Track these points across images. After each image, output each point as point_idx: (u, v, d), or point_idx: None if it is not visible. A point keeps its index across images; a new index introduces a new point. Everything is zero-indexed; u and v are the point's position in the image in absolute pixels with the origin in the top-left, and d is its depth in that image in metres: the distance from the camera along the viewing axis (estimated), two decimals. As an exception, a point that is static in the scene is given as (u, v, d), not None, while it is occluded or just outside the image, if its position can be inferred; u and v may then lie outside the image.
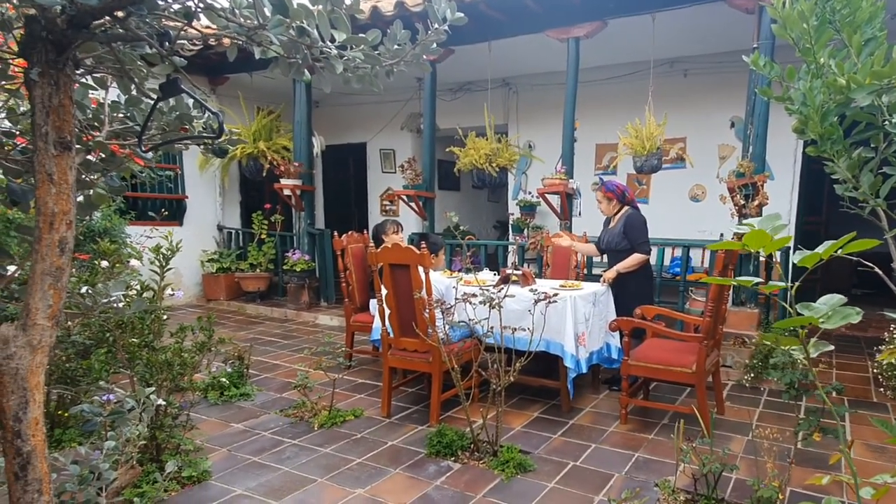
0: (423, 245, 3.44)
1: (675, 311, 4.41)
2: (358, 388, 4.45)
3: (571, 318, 3.70)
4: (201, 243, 7.90)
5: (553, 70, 7.12)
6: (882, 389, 4.16)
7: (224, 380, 4.12)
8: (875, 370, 4.19)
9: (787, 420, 3.78)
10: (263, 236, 7.60)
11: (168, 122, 1.53)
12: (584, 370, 3.77)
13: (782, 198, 6.01)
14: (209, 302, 7.86)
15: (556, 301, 3.25)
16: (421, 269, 3.45)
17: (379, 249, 3.63)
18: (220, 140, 1.47)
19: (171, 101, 1.57)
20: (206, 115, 1.49)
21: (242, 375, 4.32)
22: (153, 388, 2.12)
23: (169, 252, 3.17)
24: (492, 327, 3.25)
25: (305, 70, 1.19)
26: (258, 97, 7.86)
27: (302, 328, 6.55)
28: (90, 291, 1.78)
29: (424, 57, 1.39)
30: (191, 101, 1.50)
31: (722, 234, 6.54)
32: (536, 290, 3.09)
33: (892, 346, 4.06)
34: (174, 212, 7.63)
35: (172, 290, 3.31)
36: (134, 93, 1.52)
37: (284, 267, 7.15)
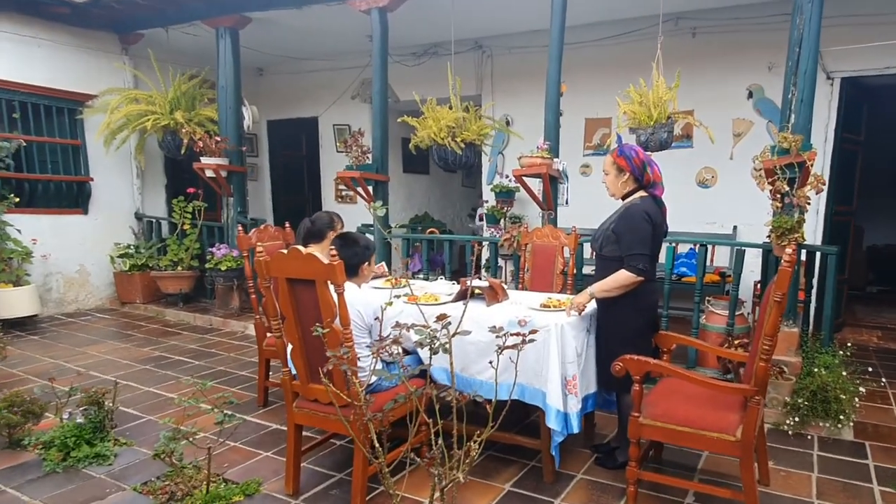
0: (333, 252, 2.25)
1: (689, 337, 3.27)
2: (265, 441, 3.22)
3: (557, 355, 2.55)
4: (114, 235, 6.57)
5: (535, 28, 5.91)
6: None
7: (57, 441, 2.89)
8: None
9: (856, 491, 2.70)
10: (186, 227, 6.31)
11: None
12: (576, 429, 2.62)
13: (812, 184, 4.89)
14: (124, 305, 6.56)
15: (535, 339, 2.09)
16: (332, 286, 2.27)
17: (271, 256, 2.44)
18: None
19: None
20: None
21: (101, 427, 3.10)
22: None
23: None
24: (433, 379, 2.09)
25: None
26: (179, 59, 6.51)
27: (225, 341, 5.31)
28: None
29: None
30: None
31: (735, 227, 5.45)
32: (504, 330, 1.91)
33: None
34: (75, 197, 6.27)
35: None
36: None
37: (208, 265, 5.88)
